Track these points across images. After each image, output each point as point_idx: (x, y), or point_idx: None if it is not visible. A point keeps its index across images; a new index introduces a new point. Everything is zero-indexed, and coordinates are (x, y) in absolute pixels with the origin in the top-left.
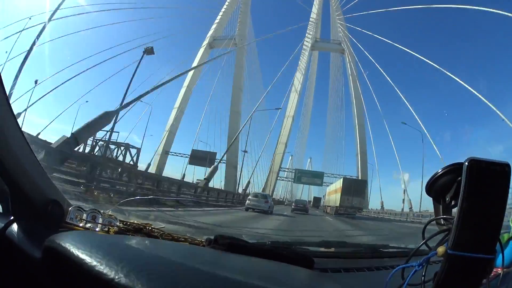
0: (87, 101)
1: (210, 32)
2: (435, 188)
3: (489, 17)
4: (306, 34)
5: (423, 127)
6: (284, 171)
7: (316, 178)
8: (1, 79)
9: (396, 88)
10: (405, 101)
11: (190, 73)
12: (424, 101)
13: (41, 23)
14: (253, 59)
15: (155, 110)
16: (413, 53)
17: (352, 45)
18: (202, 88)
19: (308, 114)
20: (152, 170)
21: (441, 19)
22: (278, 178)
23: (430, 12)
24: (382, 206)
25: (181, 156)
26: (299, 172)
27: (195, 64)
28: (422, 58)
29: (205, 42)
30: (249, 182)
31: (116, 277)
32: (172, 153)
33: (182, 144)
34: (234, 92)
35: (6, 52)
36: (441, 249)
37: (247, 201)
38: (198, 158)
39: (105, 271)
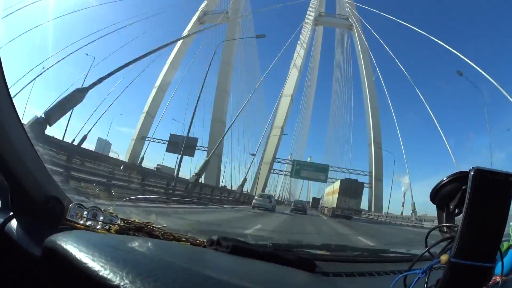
0: (43, 68)
1: (201, 6)
2: (439, 196)
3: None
4: (309, 8)
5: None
6: (279, 162)
7: (319, 172)
8: (3, 72)
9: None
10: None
11: (174, 51)
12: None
13: None
14: (247, 35)
15: (135, 89)
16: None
17: (362, 15)
18: (188, 67)
19: (310, 102)
20: (125, 158)
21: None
22: (273, 171)
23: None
24: (414, 210)
25: (159, 142)
26: (298, 164)
27: (181, 41)
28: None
29: (195, 17)
30: (207, 162)
31: (121, 283)
32: (149, 139)
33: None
34: (223, 68)
35: None
36: (444, 257)
37: (254, 201)
38: (178, 144)
39: (109, 277)
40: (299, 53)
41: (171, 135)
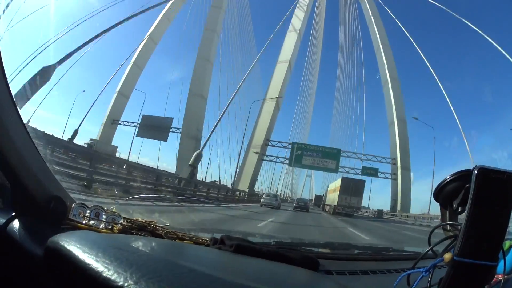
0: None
1: None
2: (443, 194)
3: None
4: None
5: None
6: (275, 146)
7: (327, 158)
8: (4, 72)
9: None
10: None
11: (155, 24)
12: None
13: None
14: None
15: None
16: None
17: None
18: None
19: (314, 81)
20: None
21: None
22: (264, 157)
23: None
24: None
25: (129, 125)
26: (299, 148)
27: (164, 11)
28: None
29: None
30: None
31: (126, 284)
32: (121, 122)
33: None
34: (205, 34)
35: None
36: (447, 256)
37: (262, 199)
38: (151, 127)
39: (113, 278)
40: (298, 16)
41: (144, 117)
